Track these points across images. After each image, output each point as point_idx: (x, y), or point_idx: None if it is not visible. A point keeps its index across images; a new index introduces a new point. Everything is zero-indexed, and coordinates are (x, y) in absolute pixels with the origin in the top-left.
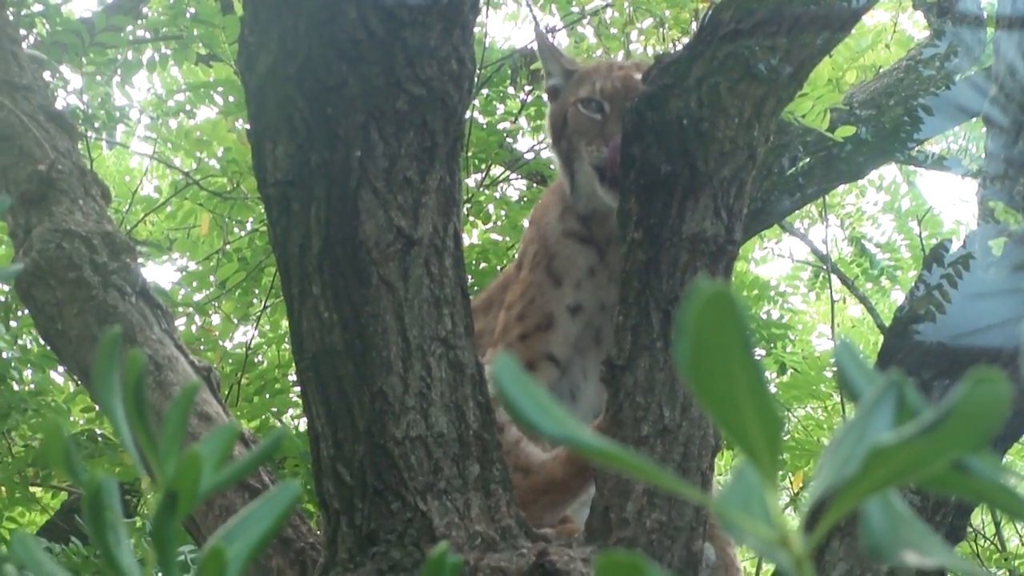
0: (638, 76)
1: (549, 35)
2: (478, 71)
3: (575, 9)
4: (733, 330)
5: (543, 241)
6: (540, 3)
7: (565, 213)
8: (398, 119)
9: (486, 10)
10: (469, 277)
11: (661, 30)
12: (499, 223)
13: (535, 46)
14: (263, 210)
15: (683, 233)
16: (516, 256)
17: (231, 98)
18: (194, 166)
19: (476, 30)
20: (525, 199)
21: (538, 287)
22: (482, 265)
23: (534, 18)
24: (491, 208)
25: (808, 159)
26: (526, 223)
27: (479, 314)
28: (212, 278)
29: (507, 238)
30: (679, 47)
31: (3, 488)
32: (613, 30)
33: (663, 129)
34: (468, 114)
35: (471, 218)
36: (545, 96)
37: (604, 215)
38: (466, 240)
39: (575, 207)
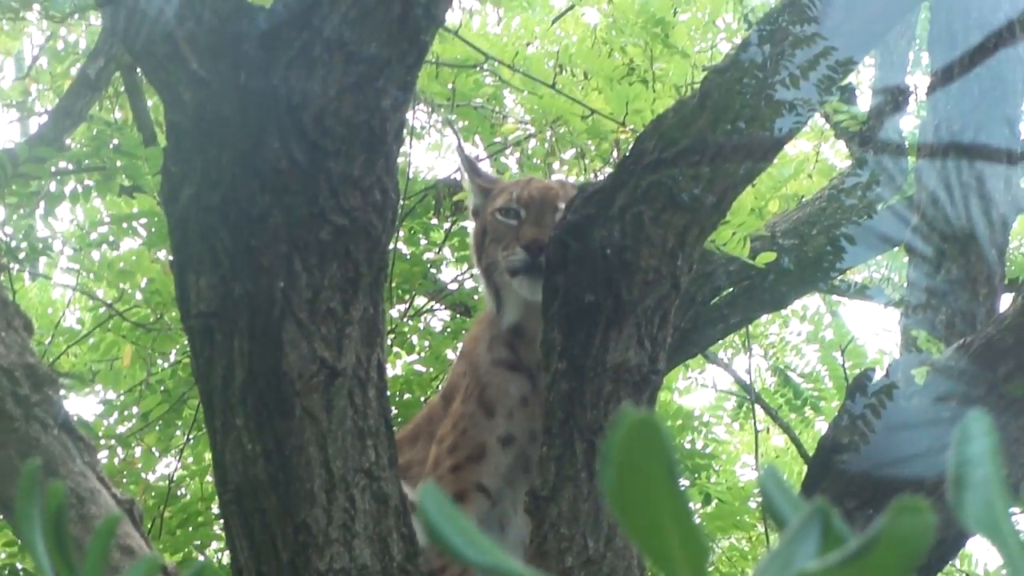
0: (557, 191)
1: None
2: (402, 201)
3: (498, 139)
4: (658, 458)
5: (474, 372)
6: (463, 134)
7: (494, 342)
8: (321, 250)
9: (409, 140)
10: (393, 408)
11: (583, 161)
12: (423, 354)
13: (459, 176)
14: (186, 341)
15: (607, 363)
16: (441, 388)
17: (154, 229)
18: (117, 297)
19: (400, 160)
20: (449, 330)
21: (470, 418)
22: (406, 396)
23: (459, 143)
24: (415, 339)
25: (731, 288)
26: (451, 354)
27: (404, 446)
28: (135, 410)
29: (431, 369)
30: (601, 177)
31: None
32: (536, 160)
33: (587, 259)
34: (392, 244)
35: (395, 349)
36: (470, 220)
37: (533, 336)
38: (390, 371)
39: (502, 327)
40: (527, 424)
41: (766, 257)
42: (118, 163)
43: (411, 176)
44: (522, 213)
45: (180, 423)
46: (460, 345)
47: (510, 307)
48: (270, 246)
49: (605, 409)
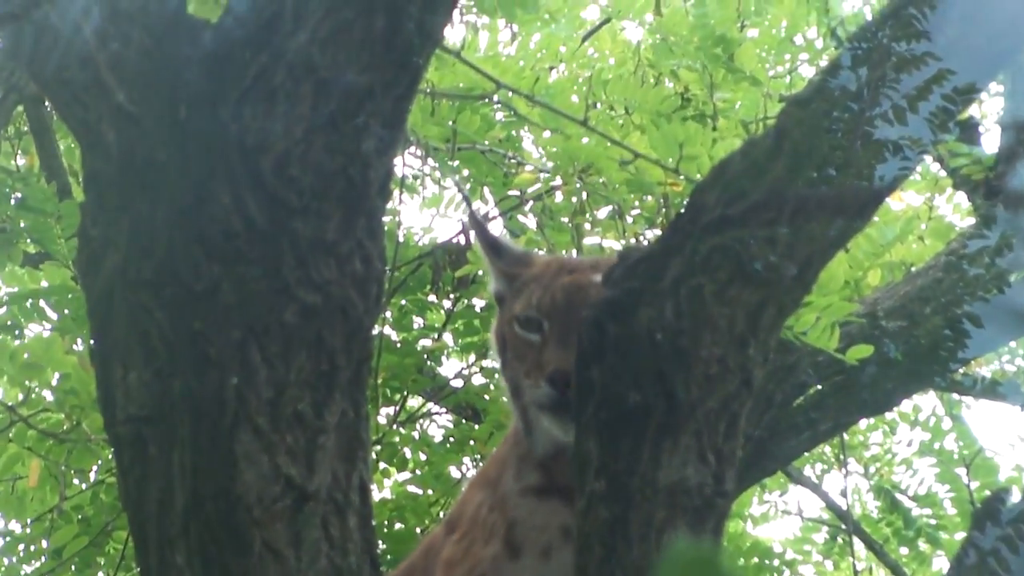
0: (595, 279)
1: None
2: (390, 273)
3: (513, 192)
4: None
5: (500, 505)
6: (467, 186)
7: (523, 464)
8: (286, 336)
9: (399, 194)
10: (380, 542)
11: (621, 221)
12: (419, 471)
13: (463, 239)
14: (111, 455)
15: (658, 483)
16: (447, 517)
17: (68, 310)
18: (21, 398)
19: (387, 220)
20: (452, 440)
21: (491, 562)
22: (397, 526)
23: (466, 199)
24: (408, 452)
25: (820, 386)
26: (455, 471)
27: None
28: (44, 544)
29: (430, 492)
30: (647, 241)
31: None
32: (562, 219)
33: (630, 346)
34: (378, 329)
35: (382, 465)
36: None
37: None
38: (376, 494)
39: (532, 453)
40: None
41: (862, 351)
42: (21, 223)
43: (401, 240)
44: (545, 326)
45: (103, 561)
46: (478, 469)
47: (542, 437)
48: (219, 331)
49: (657, 542)
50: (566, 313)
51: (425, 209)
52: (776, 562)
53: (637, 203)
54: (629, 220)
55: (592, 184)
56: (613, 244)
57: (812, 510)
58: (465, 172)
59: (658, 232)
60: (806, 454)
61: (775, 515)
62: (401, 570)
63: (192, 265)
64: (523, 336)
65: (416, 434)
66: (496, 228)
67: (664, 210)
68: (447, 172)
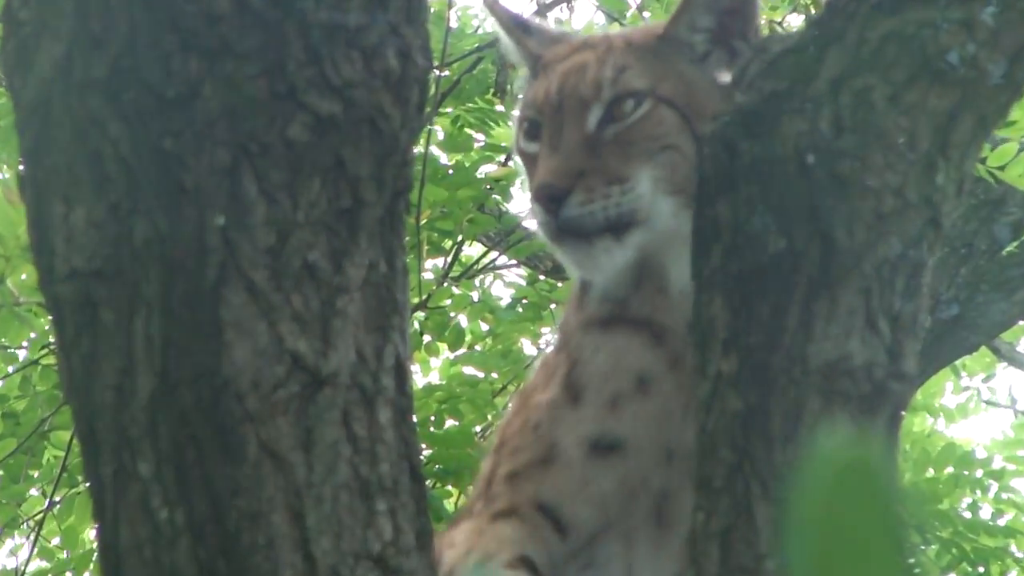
0: (591, 67)
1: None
2: (437, 72)
3: None
4: (886, 528)
5: (564, 343)
6: None
7: (584, 292)
8: (292, 158)
9: None
10: (424, 446)
11: None
12: (479, 347)
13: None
14: (48, 325)
15: (810, 361)
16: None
17: None
18: None
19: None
20: (525, 301)
21: (548, 407)
22: (449, 423)
23: None
24: (464, 319)
25: None
26: (528, 347)
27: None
28: None
29: (494, 374)
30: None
31: None
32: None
33: (772, 173)
34: (420, 149)
35: (427, 338)
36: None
37: (658, 269)
38: (419, 379)
39: (591, 300)
40: (652, 425)
41: None
42: None
43: (454, 25)
44: (543, 127)
45: (36, 474)
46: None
47: (590, 284)
48: (199, 152)
49: (808, 443)
50: (558, 102)
51: None
52: (980, 473)
53: None
54: None
55: None
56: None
57: None
58: None
59: (805, 19)
60: (1021, 323)
61: (977, 408)
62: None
63: (161, 60)
64: (523, 148)
65: (475, 295)
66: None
67: None
68: None
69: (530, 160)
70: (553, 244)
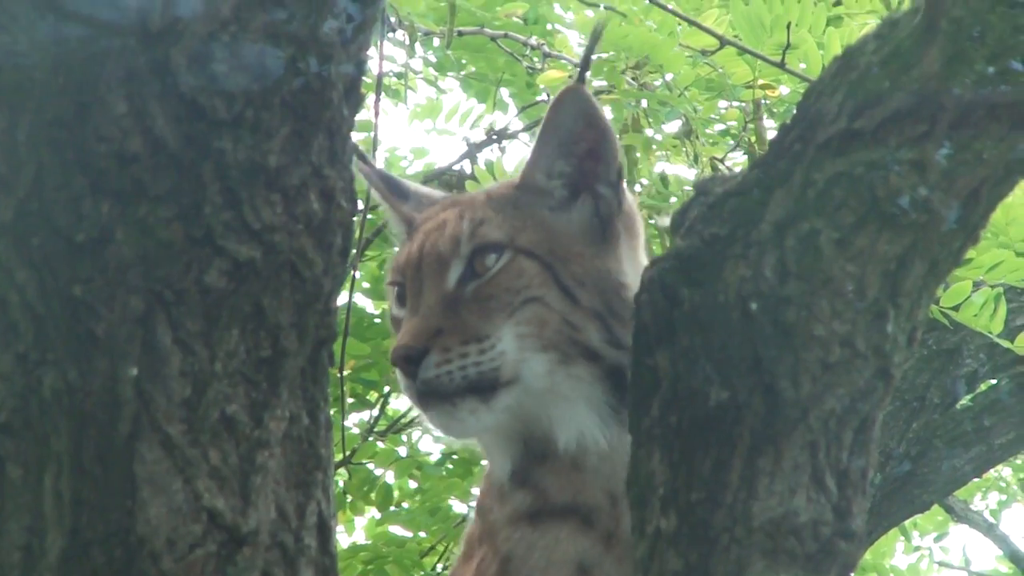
0: (471, 216)
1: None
2: (362, 216)
3: (543, 97)
4: None
5: (490, 534)
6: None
7: (506, 483)
8: (209, 306)
9: (376, 99)
10: None
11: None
12: (406, 504)
13: (468, 164)
14: None
15: (753, 519)
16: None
17: None
18: None
19: (358, 137)
20: (455, 457)
21: None
22: None
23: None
24: (391, 476)
25: (995, 381)
26: (457, 505)
27: None
28: None
29: (422, 534)
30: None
31: None
32: None
33: (714, 321)
34: (344, 297)
35: (348, 497)
36: None
37: (570, 452)
38: (343, 538)
39: (500, 478)
40: None
41: None
42: None
43: (381, 166)
44: (407, 288)
45: None
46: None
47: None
48: (111, 300)
49: None
50: (418, 267)
51: (415, 121)
52: None
53: (715, 116)
54: (699, 140)
55: (649, 87)
56: (681, 171)
57: (984, 560)
58: (471, 68)
59: (748, 156)
60: (975, 480)
61: (929, 568)
62: None
63: (71, 202)
64: (395, 315)
65: (402, 449)
66: (518, 150)
67: (754, 124)
68: (441, 67)
69: (398, 326)
70: (418, 408)
